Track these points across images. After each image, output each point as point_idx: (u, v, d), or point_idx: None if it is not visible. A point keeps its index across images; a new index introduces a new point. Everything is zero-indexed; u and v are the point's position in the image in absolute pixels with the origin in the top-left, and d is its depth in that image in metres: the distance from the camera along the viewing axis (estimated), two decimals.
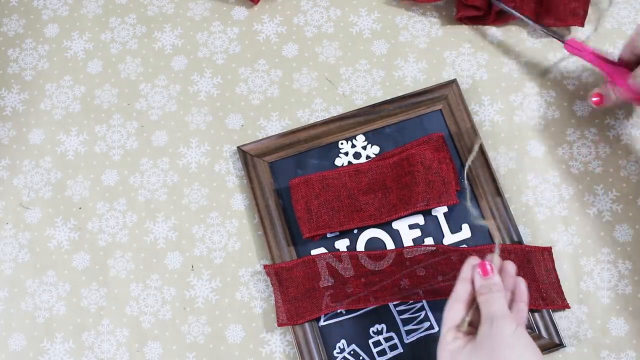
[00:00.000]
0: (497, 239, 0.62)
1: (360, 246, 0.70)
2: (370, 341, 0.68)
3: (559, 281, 0.68)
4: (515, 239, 0.69)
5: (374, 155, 0.73)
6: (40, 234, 0.74)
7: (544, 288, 0.67)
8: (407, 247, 0.69)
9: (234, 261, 0.72)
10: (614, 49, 0.75)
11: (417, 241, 0.71)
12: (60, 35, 0.81)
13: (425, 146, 0.70)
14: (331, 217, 0.69)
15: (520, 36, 0.77)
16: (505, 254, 0.68)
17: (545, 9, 0.74)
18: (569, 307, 0.67)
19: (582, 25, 0.74)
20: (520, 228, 0.70)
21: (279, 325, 0.68)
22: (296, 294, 0.68)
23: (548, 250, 0.69)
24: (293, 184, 0.70)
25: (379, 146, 0.73)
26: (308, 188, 0.70)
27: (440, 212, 0.71)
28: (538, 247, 0.69)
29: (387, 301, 0.67)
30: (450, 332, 0.54)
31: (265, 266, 0.69)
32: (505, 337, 0.49)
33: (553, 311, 0.67)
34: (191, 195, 0.74)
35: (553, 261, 0.69)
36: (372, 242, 0.71)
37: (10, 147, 0.77)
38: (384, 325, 0.69)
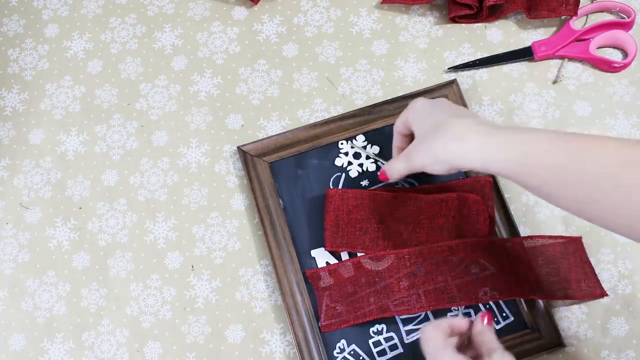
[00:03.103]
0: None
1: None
2: (370, 341, 0.68)
3: (593, 270, 0.68)
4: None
5: (373, 156, 0.73)
6: (41, 234, 0.74)
7: (583, 279, 0.67)
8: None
9: (234, 261, 0.72)
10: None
11: None
12: (60, 35, 0.81)
13: (469, 194, 0.69)
14: (357, 237, 0.69)
15: (520, 36, 0.77)
16: (540, 249, 0.68)
17: (537, 2, 0.75)
18: (606, 295, 0.67)
19: (576, 14, 0.74)
20: (520, 228, 0.70)
21: (323, 330, 0.68)
22: (339, 298, 0.68)
23: (579, 241, 0.69)
24: (329, 193, 0.70)
25: (379, 146, 0.73)
26: (342, 202, 0.70)
27: None
28: (569, 237, 0.68)
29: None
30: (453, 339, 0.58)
31: (307, 271, 0.69)
32: None
33: (553, 305, 0.67)
34: (191, 195, 0.74)
35: (584, 251, 0.68)
36: None
37: (10, 147, 0.77)
38: (384, 325, 0.69)
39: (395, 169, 0.64)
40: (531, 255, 0.67)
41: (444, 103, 0.62)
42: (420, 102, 0.63)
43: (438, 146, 0.58)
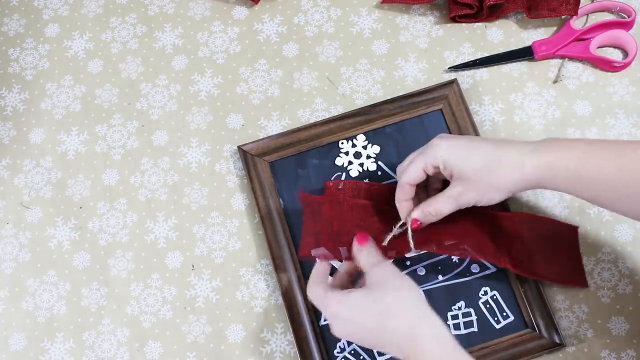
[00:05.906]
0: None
1: None
2: None
3: (581, 259, 0.68)
4: None
5: (374, 155, 0.73)
6: (41, 233, 0.74)
7: (565, 264, 0.68)
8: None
9: (234, 261, 0.72)
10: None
11: None
12: (61, 34, 0.81)
13: None
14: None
15: (520, 36, 0.77)
16: (528, 225, 0.68)
17: (537, 1, 0.75)
18: (587, 286, 0.68)
19: (576, 14, 0.74)
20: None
21: (299, 255, 0.67)
22: (320, 230, 0.67)
23: (574, 230, 0.69)
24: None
25: (380, 146, 0.73)
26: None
27: None
28: (566, 224, 0.69)
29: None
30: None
31: (301, 194, 0.69)
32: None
33: (554, 311, 0.67)
34: (192, 195, 0.74)
35: (577, 240, 0.69)
36: None
37: (11, 147, 0.77)
38: None
39: (440, 211, 0.61)
40: (521, 229, 0.67)
41: (478, 137, 0.62)
42: (448, 142, 0.61)
43: (496, 179, 0.59)
